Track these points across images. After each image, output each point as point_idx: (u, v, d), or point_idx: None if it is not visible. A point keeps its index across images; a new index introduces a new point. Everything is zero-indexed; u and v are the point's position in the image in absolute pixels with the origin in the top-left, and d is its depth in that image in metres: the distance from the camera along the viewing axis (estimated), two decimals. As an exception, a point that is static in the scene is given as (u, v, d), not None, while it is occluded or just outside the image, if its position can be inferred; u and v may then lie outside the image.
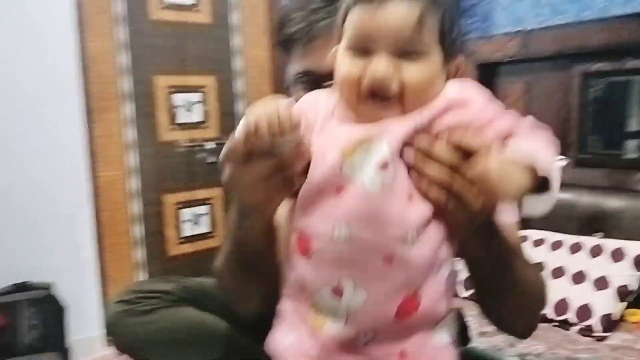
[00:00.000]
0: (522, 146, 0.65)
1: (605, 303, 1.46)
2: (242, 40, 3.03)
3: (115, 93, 2.64)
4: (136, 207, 2.73)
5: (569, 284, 1.54)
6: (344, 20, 0.74)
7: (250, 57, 3.06)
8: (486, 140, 0.66)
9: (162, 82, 2.78)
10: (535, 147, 0.65)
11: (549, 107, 2.03)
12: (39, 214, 2.38)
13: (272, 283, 1.00)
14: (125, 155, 2.69)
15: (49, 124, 2.39)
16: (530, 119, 0.70)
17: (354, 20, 0.70)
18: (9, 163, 2.30)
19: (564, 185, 1.94)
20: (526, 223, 1.76)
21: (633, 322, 1.46)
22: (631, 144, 1.82)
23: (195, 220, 2.94)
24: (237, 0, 2.99)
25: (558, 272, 1.58)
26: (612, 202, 1.66)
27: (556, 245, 1.65)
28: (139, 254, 2.75)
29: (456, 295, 0.78)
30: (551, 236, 1.69)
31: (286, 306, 0.80)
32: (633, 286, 1.49)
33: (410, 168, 0.68)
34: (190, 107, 2.89)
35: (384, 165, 0.66)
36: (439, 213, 0.68)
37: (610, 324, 1.45)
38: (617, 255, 1.54)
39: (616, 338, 1.43)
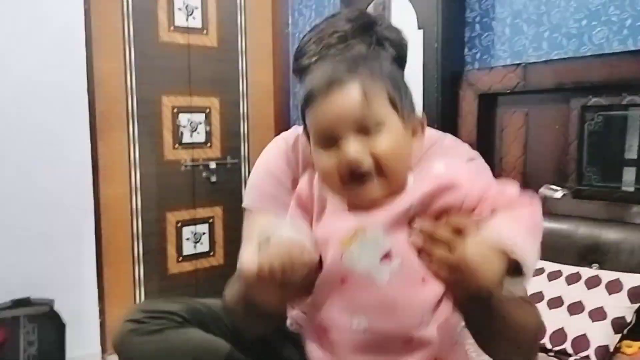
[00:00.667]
0: (501, 231, 0.67)
1: (601, 334, 1.48)
2: (247, 64, 3.09)
3: (122, 112, 2.69)
4: (138, 224, 2.76)
5: (566, 315, 1.56)
6: (305, 123, 0.80)
7: (254, 80, 3.12)
8: (475, 222, 0.70)
9: (168, 102, 2.83)
10: (514, 230, 0.68)
11: (548, 139, 2.07)
12: (42, 230, 2.40)
13: (280, 319, 1.04)
14: (129, 174, 2.72)
15: (57, 141, 2.43)
16: (517, 189, 0.73)
17: (311, 119, 0.77)
18: (13, 178, 2.33)
19: (562, 216, 1.95)
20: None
21: (629, 354, 1.49)
22: (629, 177, 1.85)
23: (195, 239, 2.97)
24: (244, 25, 3.05)
25: (556, 302, 1.61)
26: (609, 234, 1.69)
27: (554, 275, 1.68)
28: (139, 271, 2.77)
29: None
30: (550, 265, 1.72)
31: None
32: (628, 318, 1.52)
33: (419, 251, 0.71)
34: (195, 127, 2.93)
35: (388, 256, 0.70)
36: (448, 288, 0.71)
37: (607, 355, 1.47)
38: (613, 287, 1.57)
39: (612, 369, 1.46)
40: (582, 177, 1.94)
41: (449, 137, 1.09)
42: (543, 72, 2.03)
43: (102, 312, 2.59)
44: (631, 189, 1.83)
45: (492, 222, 0.69)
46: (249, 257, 0.71)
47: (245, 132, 3.11)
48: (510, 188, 0.74)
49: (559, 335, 1.54)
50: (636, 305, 1.54)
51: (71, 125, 2.47)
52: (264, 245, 0.70)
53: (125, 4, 2.65)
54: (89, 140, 2.52)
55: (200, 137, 2.96)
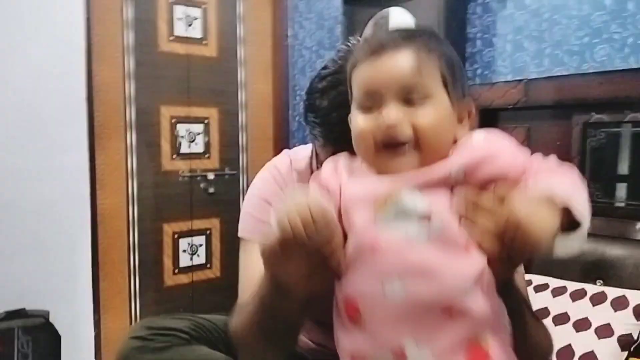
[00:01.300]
0: (549, 184, 0.64)
1: (608, 352, 1.48)
2: (246, 75, 3.08)
3: (120, 121, 2.67)
4: (135, 235, 2.73)
5: (572, 331, 1.56)
6: (350, 84, 0.77)
7: (253, 90, 3.11)
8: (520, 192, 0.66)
9: (167, 112, 2.82)
10: (563, 184, 0.65)
11: (549, 154, 2.08)
12: (38, 239, 2.37)
13: (294, 345, 1.02)
14: (127, 184, 2.70)
15: (55, 149, 2.40)
16: (555, 158, 0.71)
17: (358, 79, 0.74)
18: (10, 186, 2.30)
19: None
20: (527, 268, 1.79)
21: (635, 372, 1.49)
22: (631, 193, 1.86)
23: (192, 251, 2.94)
24: (243, 36, 3.05)
25: (562, 319, 1.60)
26: (613, 251, 1.70)
27: (559, 291, 1.68)
28: (135, 283, 2.74)
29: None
30: (555, 282, 1.72)
31: None
32: (635, 335, 1.52)
33: (461, 219, 0.67)
34: (193, 138, 2.91)
35: (426, 217, 0.66)
36: (490, 261, 0.66)
37: (614, 372, 1.47)
38: (619, 303, 1.57)
39: (619, 387, 1.45)
40: (584, 193, 1.95)
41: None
42: (545, 88, 2.05)
43: (97, 324, 2.55)
44: (635, 204, 1.84)
45: (538, 179, 0.66)
46: (266, 230, 0.69)
47: (244, 143, 3.10)
48: (551, 160, 0.71)
49: (567, 352, 1.53)
50: (642, 323, 1.54)
51: (70, 134, 2.45)
52: (284, 209, 0.66)
53: (125, 13, 2.64)
54: (87, 149, 2.49)
55: (198, 147, 2.94)
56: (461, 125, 0.76)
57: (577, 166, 1.96)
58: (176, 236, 2.88)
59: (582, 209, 0.64)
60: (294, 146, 3.10)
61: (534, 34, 2.14)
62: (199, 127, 2.93)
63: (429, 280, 0.63)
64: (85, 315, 2.52)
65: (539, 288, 1.73)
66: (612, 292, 1.61)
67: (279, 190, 1.09)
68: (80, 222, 2.48)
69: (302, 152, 1.17)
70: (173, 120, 2.84)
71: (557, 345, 1.55)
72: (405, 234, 0.65)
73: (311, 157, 1.10)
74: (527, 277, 1.74)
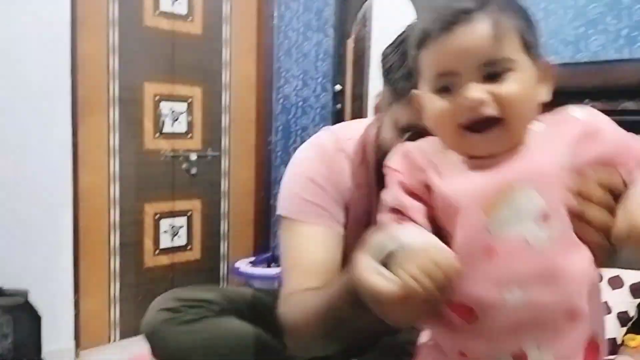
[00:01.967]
0: None
1: (609, 328, 1.55)
2: (231, 54, 3.03)
3: (103, 97, 2.57)
4: (115, 215, 2.65)
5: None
6: (417, 66, 0.69)
7: (237, 70, 3.06)
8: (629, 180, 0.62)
9: (150, 89, 2.74)
10: None
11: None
12: (18, 217, 2.26)
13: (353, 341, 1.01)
14: (108, 162, 2.61)
15: (38, 124, 2.30)
16: None
17: (428, 58, 0.66)
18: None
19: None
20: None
21: (632, 347, 1.56)
22: (623, 179, 1.95)
23: (173, 232, 2.88)
24: (229, 14, 2.99)
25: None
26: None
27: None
28: (115, 264, 2.66)
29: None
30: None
31: None
32: (631, 312, 1.59)
33: (571, 212, 0.63)
34: (177, 117, 2.84)
35: (545, 217, 0.61)
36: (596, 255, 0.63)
37: (614, 348, 1.54)
38: (615, 282, 1.64)
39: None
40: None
41: None
42: (539, 77, 2.10)
43: (76, 305, 2.46)
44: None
45: None
46: (378, 279, 0.59)
47: (227, 124, 3.05)
48: None
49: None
50: (637, 300, 1.62)
51: (52, 108, 2.34)
52: (397, 260, 0.59)
53: (110, -15, 2.54)
54: (70, 125, 2.39)
55: (181, 127, 2.87)
56: (543, 84, 0.69)
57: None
58: (157, 217, 2.81)
59: None
60: (277, 129, 3.09)
61: None
62: (182, 106, 2.86)
63: (552, 285, 0.60)
64: (65, 295, 2.42)
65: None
66: (608, 272, 1.68)
67: (326, 171, 1.05)
68: (61, 200, 2.38)
69: (347, 131, 1.11)
70: (156, 98, 2.76)
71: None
72: (523, 236, 0.60)
73: (363, 139, 1.06)
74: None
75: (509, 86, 0.62)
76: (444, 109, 0.65)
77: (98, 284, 2.60)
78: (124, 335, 2.66)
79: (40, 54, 2.29)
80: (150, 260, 2.80)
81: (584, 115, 0.68)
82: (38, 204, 2.31)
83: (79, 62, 2.42)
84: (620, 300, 1.60)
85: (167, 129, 2.81)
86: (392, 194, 0.70)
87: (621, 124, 0.70)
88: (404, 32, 0.91)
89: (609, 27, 1.99)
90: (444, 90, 0.65)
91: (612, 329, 1.56)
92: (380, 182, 1.00)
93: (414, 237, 0.63)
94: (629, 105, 1.91)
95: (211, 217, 2.98)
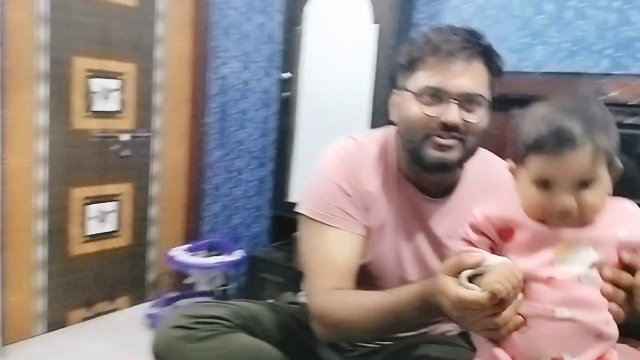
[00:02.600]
0: None
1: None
2: (165, 29, 2.87)
3: (30, 71, 2.34)
4: (41, 200, 2.44)
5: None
6: (523, 156, 0.85)
7: (171, 47, 2.92)
8: None
9: (81, 64, 2.53)
10: None
11: (489, 144, 2.28)
12: None
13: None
14: (34, 142, 2.39)
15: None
16: None
17: (536, 166, 0.83)
18: None
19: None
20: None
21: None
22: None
23: (101, 218, 2.72)
24: (164, -14, 2.82)
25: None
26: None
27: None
28: (40, 252, 2.46)
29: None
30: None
31: None
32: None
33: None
34: (108, 95, 2.66)
35: (594, 265, 0.82)
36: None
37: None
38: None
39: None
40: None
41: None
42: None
43: (2, 299, 2.26)
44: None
45: None
46: (467, 291, 0.80)
47: (159, 103, 2.90)
48: None
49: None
50: None
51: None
52: (486, 272, 0.82)
53: (36, -55, 2.28)
54: (-5, 102, 2.15)
55: (112, 105, 2.69)
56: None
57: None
58: (85, 202, 2.63)
59: None
60: (213, 111, 2.99)
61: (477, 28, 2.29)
62: (114, 83, 2.68)
63: (589, 310, 0.80)
64: (-13, 289, 2.22)
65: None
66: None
67: (350, 177, 1.16)
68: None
69: (367, 138, 1.22)
70: (87, 74, 2.56)
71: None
72: (577, 274, 0.81)
73: (384, 143, 1.21)
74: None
75: (591, 196, 0.81)
76: (540, 201, 0.83)
77: (22, 275, 2.40)
78: (52, 327, 2.49)
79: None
80: (77, 247, 2.63)
81: (632, 209, 0.87)
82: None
83: (4, 32, 2.18)
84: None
85: (97, 107, 2.62)
86: (465, 232, 0.91)
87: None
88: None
89: (551, 40, 2.14)
90: (543, 186, 0.82)
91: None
92: (400, 186, 1.16)
93: (494, 258, 0.84)
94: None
95: (141, 202, 2.85)
